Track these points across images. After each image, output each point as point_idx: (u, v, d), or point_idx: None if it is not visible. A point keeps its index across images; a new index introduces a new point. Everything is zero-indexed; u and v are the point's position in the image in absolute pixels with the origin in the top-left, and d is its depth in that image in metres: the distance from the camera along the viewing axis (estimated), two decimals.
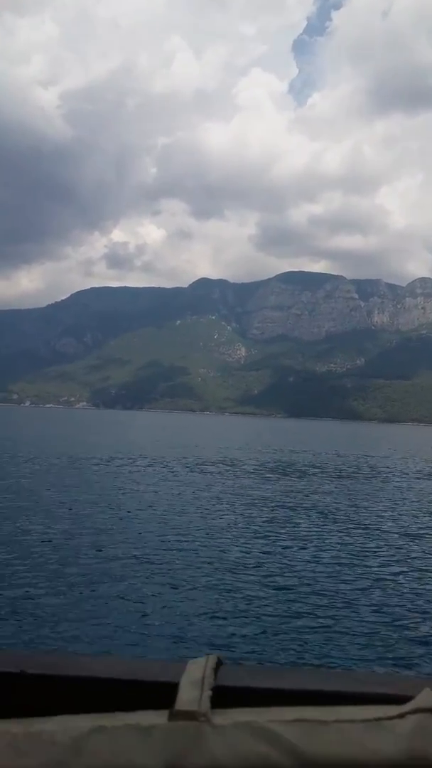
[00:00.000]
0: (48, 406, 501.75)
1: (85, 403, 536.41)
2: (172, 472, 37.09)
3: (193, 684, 1.03)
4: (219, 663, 1.15)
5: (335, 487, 32.69)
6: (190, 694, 1.03)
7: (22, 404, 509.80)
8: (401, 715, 1.03)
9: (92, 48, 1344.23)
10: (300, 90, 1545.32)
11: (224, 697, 1.09)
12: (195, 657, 1.19)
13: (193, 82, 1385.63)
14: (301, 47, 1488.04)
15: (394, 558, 16.72)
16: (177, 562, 15.19)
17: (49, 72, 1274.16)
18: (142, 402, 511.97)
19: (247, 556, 16.22)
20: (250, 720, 0.98)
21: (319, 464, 48.12)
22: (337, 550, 17.17)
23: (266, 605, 12.29)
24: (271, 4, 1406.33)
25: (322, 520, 22.06)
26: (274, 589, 13.39)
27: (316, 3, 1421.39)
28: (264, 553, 16.68)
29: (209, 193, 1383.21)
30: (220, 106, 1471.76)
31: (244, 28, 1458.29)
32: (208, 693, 1.07)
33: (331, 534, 19.47)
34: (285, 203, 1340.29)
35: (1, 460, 40.13)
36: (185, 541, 17.61)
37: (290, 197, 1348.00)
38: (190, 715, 1.04)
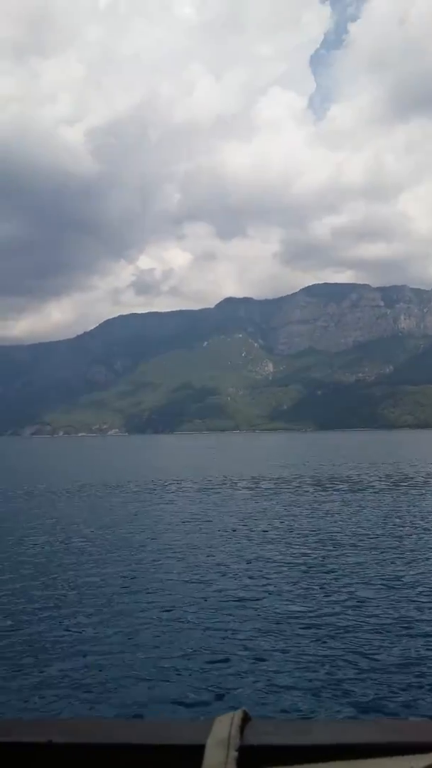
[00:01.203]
0: (81, 435, 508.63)
1: (116, 430, 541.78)
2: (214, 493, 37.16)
3: (218, 744, 1.18)
4: (246, 718, 1.15)
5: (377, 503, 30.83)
6: (216, 756, 1.17)
7: (55, 435, 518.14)
8: None
9: (115, 83, 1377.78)
10: (319, 104, 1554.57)
11: (252, 756, 1.12)
12: (223, 712, 1.20)
13: (213, 107, 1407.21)
14: (318, 61, 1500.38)
15: None
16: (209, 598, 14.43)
17: (74, 110, 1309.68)
18: (173, 425, 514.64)
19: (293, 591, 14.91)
20: None
21: (362, 476, 46.60)
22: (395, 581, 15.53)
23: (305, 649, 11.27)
24: (288, 23, 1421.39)
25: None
26: (315, 629, 12.38)
27: (333, 17, 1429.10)
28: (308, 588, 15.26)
29: (232, 213, 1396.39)
30: (241, 127, 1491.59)
31: (262, 49, 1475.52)
32: (234, 754, 1.10)
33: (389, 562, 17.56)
34: (307, 217, 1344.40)
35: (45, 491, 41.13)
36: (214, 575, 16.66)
37: (312, 210, 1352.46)
38: None
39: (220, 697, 9.56)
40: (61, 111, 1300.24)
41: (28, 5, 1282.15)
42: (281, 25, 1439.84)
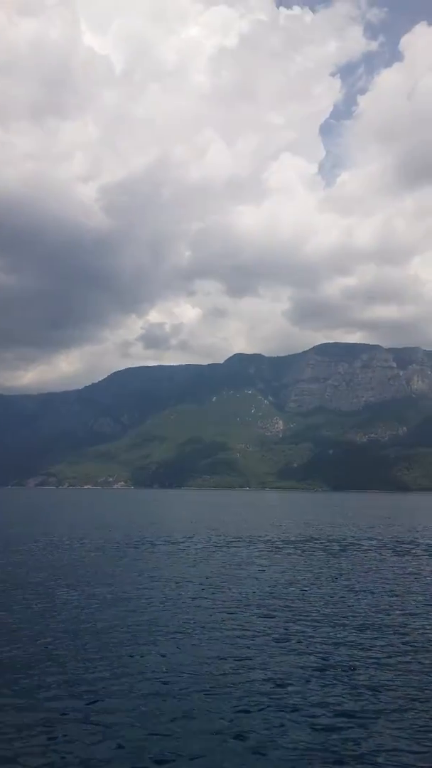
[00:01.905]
0: (86, 487, 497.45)
1: (122, 483, 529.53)
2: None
3: None
4: None
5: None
6: None
7: (60, 486, 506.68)
8: None
9: (130, 144, 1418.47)
10: (329, 170, 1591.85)
11: None
12: None
13: (225, 169, 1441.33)
14: (328, 130, 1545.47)
15: None
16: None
17: (89, 168, 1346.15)
18: (181, 480, 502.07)
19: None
20: None
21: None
22: None
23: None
24: (299, 94, 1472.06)
25: None
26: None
27: (343, 89, 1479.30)
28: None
29: (243, 272, 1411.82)
30: (252, 190, 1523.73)
31: (273, 118, 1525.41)
32: None
33: None
34: (318, 277, 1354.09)
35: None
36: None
37: (323, 271, 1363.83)
38: None
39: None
40: (75, 169, 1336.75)
41: (48, 68, 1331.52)
42: (292, 96, 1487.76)
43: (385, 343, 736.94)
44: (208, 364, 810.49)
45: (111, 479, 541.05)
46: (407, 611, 20.92)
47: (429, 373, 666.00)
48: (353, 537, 47.15)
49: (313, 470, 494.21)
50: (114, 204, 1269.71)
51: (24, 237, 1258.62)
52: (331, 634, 17.78)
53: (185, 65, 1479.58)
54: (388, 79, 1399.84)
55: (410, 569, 30.74)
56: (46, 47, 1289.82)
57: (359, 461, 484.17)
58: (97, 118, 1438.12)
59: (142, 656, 15.70)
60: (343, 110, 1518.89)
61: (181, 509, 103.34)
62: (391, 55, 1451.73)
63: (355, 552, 37.76)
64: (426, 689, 13.02)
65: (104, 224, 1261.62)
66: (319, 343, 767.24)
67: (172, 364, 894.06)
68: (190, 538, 45.59)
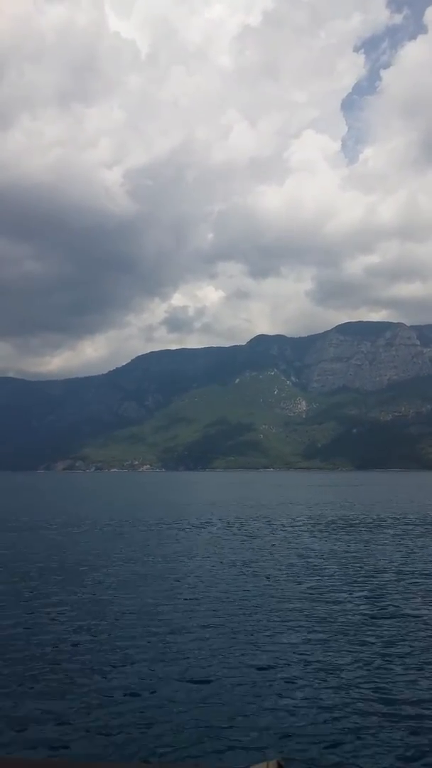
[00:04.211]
0: (113, 470, 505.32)
1: (148, 466, 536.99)
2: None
3: None
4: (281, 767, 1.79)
5: None
6: None
7: (87, 470, 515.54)
8: None
9: (154, 128, 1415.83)
10: (352, 147, 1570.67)
11: None
12: (257, 761, 2.32)
13: (248, 150, 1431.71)
14: (350, 105, 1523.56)
15: None
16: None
17: (114, 153, 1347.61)
18: (206, 461, 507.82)
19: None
20: None
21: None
22: None
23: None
24: (322, 71, 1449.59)
25: None
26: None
27: (366, 65, 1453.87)
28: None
29: (265, 253, 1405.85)
30: (274, 169, 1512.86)
31: (296, 96, 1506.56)
32: None
33: None
34: (341, 256, 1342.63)
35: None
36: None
37: (346, 250, 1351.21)
38: None
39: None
40: (101, 154, 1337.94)
41: (75, 55, 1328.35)
42: (316, 72, 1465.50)
43: (409, 321, 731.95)
44: (231, 346, 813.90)
45: (137, 462, 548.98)
46: None
47: None
48: None
49: (338, 450, 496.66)
50: (138, 188, 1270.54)
51: (49, 224, 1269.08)
52: None
53: (209, 46, 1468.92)
54: (412, 52, 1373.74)
55: None
56: (73, 34, 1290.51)
57: (383, 440, 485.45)
58: (122, 103, 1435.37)
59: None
60: (367, 86, 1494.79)
61: (234, 491, 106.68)
62: (416, 27, 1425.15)
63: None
64: None
65: (128, 209, 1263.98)
66: (342, 323, 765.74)
67: (195, 347, 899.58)
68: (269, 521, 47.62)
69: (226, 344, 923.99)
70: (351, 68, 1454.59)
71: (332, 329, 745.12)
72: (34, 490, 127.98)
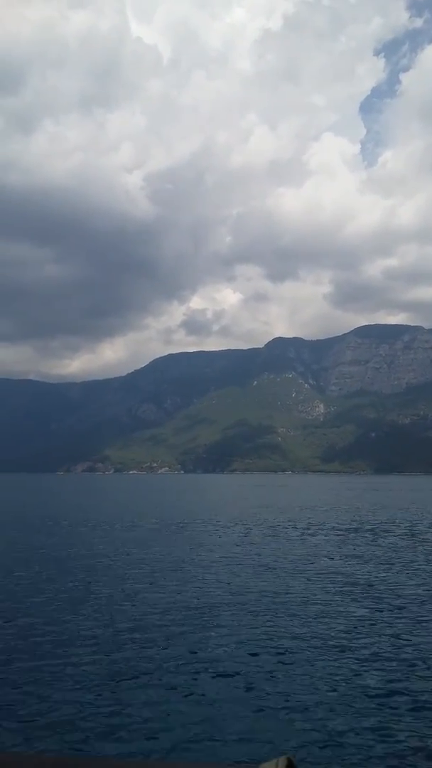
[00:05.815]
0: (132, 472, 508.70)
1: (167, 468, 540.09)
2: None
3: None
4: (291, 765, 1.38)
5: None
6: None
7: (106, 472, 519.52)
8: None
9: (175, 132, 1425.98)
10: (371, 150, 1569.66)
11: None
12: (267, 759, 1.53)
13: (267, 154, 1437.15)
14: (369, 108, 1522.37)
15: None
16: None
17: (135, 158, 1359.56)
18: (225, 464, 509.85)
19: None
20: None
21: None
22: None
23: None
24: (342, 75, 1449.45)
25: None
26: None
27: (386, 68, 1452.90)
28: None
29: (283, 255, 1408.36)
30: (293, 173, 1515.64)
31: (316, 99, 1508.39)
32: None
33: None
34: (359, 259, 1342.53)
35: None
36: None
37: (364, 253, 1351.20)
38: None
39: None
40: (122, 159, 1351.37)
41: (98, 61, 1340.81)
42: (336, 76, 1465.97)
43: (428, 324, 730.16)
44: (249, 349, 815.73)
45: (155, 464, 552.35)
46: None
47: None
48: None
49: (356, 453, 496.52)
50: (158, 192, 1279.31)
51: (70, 228, 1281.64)
52: None
53: (229, 50, 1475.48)
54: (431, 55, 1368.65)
55: None
56: (96, 40, 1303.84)
57: (402, 444, 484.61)
58: (143, 108, 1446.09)
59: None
60: (386, 89, 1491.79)
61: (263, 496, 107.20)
62: None
63: None
64: None
65: (148, 212, 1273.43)
66: (360, 326, 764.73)
67: (213, 349, 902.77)
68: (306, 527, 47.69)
69: (244, 347, 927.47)
70: (371, 71, 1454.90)
71: (350, 332, 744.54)
72: (86, 491, 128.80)
